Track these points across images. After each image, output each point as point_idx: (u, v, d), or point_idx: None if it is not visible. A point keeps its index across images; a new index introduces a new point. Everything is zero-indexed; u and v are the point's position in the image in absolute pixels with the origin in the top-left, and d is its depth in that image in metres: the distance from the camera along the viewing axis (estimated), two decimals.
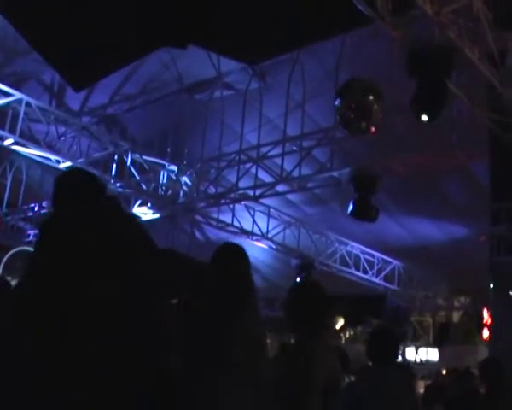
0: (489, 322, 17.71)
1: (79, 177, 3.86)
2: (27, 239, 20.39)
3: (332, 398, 4.61)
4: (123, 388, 3.17)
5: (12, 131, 14.20)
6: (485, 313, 19.59)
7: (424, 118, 10.19)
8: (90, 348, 3.12)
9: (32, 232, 20.04)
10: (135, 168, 16.66)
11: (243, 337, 4.21)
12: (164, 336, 3.64)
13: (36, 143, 14.97)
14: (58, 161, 15.39)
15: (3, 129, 14.13)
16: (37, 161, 15.83)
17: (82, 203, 3.60)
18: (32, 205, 19.40)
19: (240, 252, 4.58)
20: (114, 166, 16.36)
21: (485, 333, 19.59)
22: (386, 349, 6.12)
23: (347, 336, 27.48)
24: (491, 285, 15.71)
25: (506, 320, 15.14)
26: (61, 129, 15.92)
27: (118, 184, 16.43)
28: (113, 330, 3.21)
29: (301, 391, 4.46)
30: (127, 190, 16.84)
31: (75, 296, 3.18)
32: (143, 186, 17.24)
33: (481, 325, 20.56)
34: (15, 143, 14.49)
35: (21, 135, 14.45)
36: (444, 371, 20.50)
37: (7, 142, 14.43)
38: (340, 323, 24.96)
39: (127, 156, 16.43)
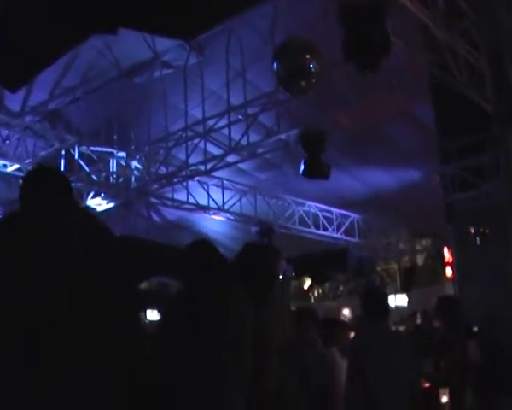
0: (451, 260, 17.99)
1: (45, 174, 3.92)
2: None
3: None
4: (88, 385, 3.18)
5: None
6: (446, 252, 19.89)
7: (365, 70, 10.26)
8: (54, 347, 3.12)
9: None
10: (83, 160, 16.49)
11: (229, 317, 4.26)
12: (137, 327, 3.65)
13: None
14: (5, 165, 15.24)
15: None
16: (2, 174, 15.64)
17: (45, 199, 3.60)
18: None
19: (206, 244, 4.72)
20: (63, 161, 16.18)
21: (449, 271, 19.89)
22: (383, 305, 6.29)
23: (316, 294, 27.66)
24: (449, 224, 15.94)
25: (467, 256, 15.39)
26: (5, 132, 15.67)
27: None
28: (78, 325, 3.21)
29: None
30: (78, 184, 16.63)
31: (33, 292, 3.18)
32: (94, 177, 17.07)
33: (444, 264, 20.86)
34: None
35: None
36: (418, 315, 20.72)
37: None
38: (308, 283, 25.15)
39: (74, 150, 16.26)
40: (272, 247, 5.37)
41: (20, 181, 3.94)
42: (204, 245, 4.79)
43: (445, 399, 7.73)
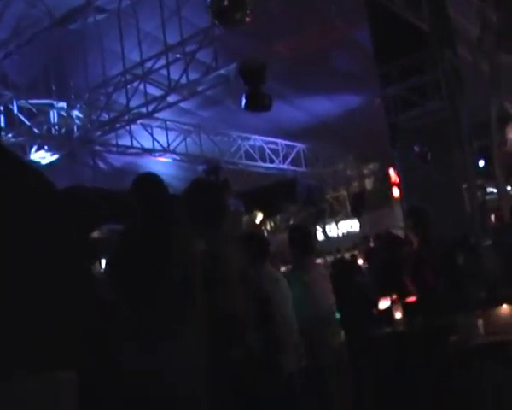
0: (397, 181, 18.19)
1: None
2: None
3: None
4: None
5: None
6: (392, 173, 20.10)
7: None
8: None
9: None
10: (23, 115, 16.20)
11: (175, 252, 4.28)
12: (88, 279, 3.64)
13: None
14: None
15: None
16: None
17: None
18: None
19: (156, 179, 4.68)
20: (2, 117, 15.91)
21: (396, 192, 20.14)
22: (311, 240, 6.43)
23: (268, 228, 27.80)
24: (393, 145, 16.09)
25: (412, 175, 15.58)
26: None
27: (9, 135, 16.00)
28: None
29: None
30: (20, 139, 16.42)
31: None
32: (36, 130, 16.80)
33: (390, 186, 21.10)
34: None
35: None
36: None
37: None
38: (259, 217, 25.23)
39: (13, 104, 15.96)
40: (219, 181, 5.39)
41: None
42: (148, 179, 4.77)
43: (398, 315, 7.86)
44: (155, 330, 4.17)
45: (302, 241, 7.16)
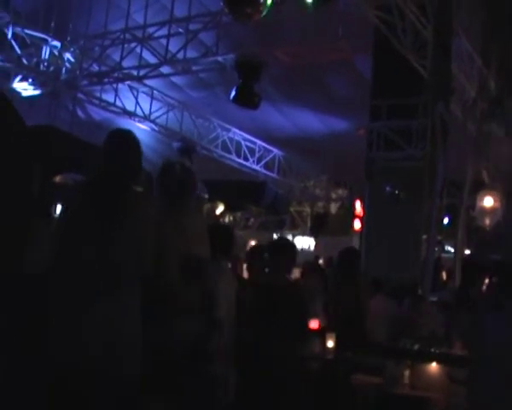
0: (361, 214, 18.23)
1: None
2: None
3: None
4: None
5: None
6: (358, 205, 20.14)
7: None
8: None
9: None
10: (16, 42, 16.03)
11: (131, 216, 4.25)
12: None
13: None
14: None
15: None
16: None
17: None
18: None
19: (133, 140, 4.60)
20: None
21: (357, 224, 20.17)
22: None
23: (227, 221, 27.75)
24: (366, 179, 16.13)
25: (378, 213, 15.64)
26: None
27: None
28: None
29: None
30: (7, 64, 16.23)
31: None
32: (25, 61, 16.65)
33: (354, 217, 21.14)
34: None
35: None
36: (321, 260, 21.01)
37: None
38: (221, 208, 25.17)
39: (8, 29, 15.79)
40: (187, 168, 5.35)
41: None
42: (123, 137, 4.69)
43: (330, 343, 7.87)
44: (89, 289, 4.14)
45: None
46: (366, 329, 7.87)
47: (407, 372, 7.29)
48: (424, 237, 14.97)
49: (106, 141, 4.56)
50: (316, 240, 26.17)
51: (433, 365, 7.42)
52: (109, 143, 4.56)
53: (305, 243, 27.12)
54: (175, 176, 5.14)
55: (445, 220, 18.64)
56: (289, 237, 26.94)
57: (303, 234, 27.43)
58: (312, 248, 26.32)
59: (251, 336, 5.91)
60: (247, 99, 14.82)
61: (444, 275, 17.72)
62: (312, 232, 26.55)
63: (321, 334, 7.54)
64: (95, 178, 4.49)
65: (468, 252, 17.80)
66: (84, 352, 4.01)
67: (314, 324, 7.73)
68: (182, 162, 5.82)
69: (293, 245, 7.24)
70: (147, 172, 4.83)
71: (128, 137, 4.62)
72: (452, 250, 17.68)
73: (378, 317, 8.78)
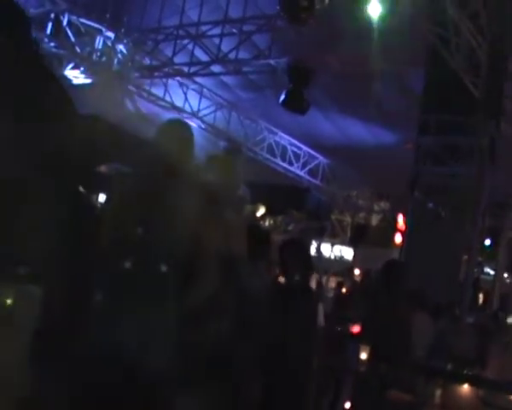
0: (403, 228, 18.09)
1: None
2: None
3: None
4: None
5: None
6: (401, 219, 19.98)
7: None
8: None
9: None
10: (71, 30, 16.17)
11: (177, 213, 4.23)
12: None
13: None
14: None
15: None
16: None
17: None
18: None
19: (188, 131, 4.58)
20: (50, 24, 15.85)
21: (398, 238, 20.01)
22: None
23: (267, 224, 27.73)
24: (410, 194, 16.00)
25: (419, 228, 15.50)
26: None
27: (52, 44, 15.96)
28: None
29: None
30: (61, 51, 16.38)
31: None
32: (78, 49, 16.80)
33: (395, 230, 20.99)
34: None
35: None
36: (357, 272, 20.87)
37: None
38: (261, 211, 25.14)
39: (64, 16, 15.93)
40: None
41: None
42: (176, 128, 4.67)
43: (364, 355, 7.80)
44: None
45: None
46: (404, 344, 7.79)
47: (438, 392, 7.21)
48: (465, 257, 14.83)
49: (159, 130, 4.55)
50: (354, 250, 26.03)
51: (465, 386, 7.33)
52: (162, 132, 4.56)
53: (343, 252, 27.02)
54: (221, 170, 5.11)
55: (487, 242, 18.46)
56: (328, 246, 26.92)
57: (342, 243, 27.30)
58: (350, 258, 26.18)
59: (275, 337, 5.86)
60: (297, 104, 14.81)
61: (480, 297, 17.57)
62: (352, 242, 26.42)
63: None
64: (142, 169, 4.49)
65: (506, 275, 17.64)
66: (118, 349, 4.01)
67: (356, 328, 7.73)
68: (231, 159, 5.79)
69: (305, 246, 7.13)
70: (195, 165, 4.78)
71: (181, 127, 4.61)
72: (491, 272, 17.51)
73: (415, 333, 8.69)
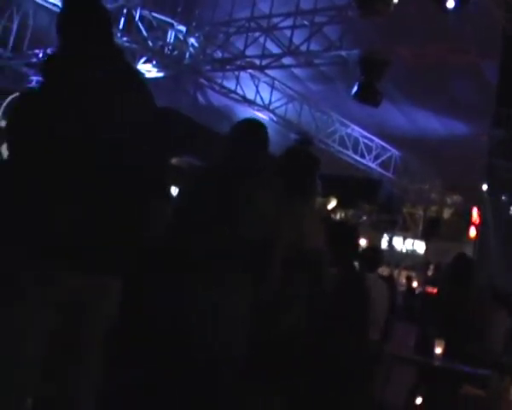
0: (477, 222, 17.87)
1: (94, 7, 3.64)
2: (30, 85, 20.04)
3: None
4: None
5: None
6: (475, 213, 19.75)
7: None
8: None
9: (34, 78, 19.64)
10: (143, 25, 16.36)
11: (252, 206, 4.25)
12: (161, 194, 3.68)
13: None
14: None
15: None
16: (45, 7, 15.47)
17: (92, 39, 3.47)
18: (37, 51, 18.94)
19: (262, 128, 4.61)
20: (122, 19, 16.04)
21: (472, 232, 19.79)
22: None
23: (337, 217, 27.60)
24: (485, 187, 15.78)
25: (494, 222, 15.28)
26: None
27: (124, 39, 16.14)
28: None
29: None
30: (133, 46, 16.56)
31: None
32: (150, 43, 16.97)
33: (470, 224, 20.74)
34: None
35: None
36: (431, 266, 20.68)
37: None
38: (333, 203, 25.05)
39: (136, 11, 16.12)
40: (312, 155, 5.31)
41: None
42: (252, 128, 4.69)
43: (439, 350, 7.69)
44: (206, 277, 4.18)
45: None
46: (475, 338, 7.68)
47: None
48: None
49: (235, 128, 4.58)
50: (426, 244, 25.76)
51: None
52: (239, 130, 4.59)
53: (415, 245, 26.75)
54: (300, 162, 5.11)
55: None
56: (400, 239, 26.69)
57: (414, 237, 27.03)
58: (422, 251, 25.93)
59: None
60: (370, 96, 14.73)
61: None
62: (424, 236, 26.15)
63: None
64: (219, 164, 4.52)
65: None
66: (195, 334, 4.06)
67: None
68: (306, 150, 5.78)
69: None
70: (270, 157, 4.79)
71: (257, 126, 4.64)
72: None
73: (490, 328, 8.56)
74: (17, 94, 18.46)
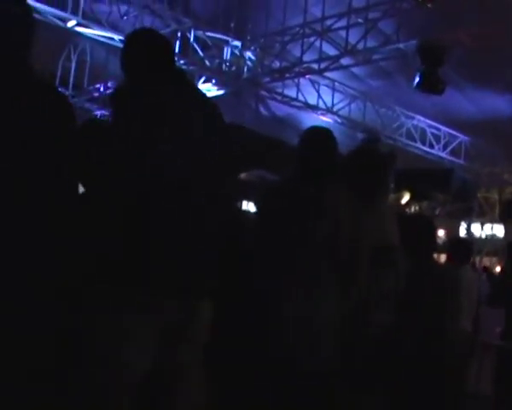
0: None
1: (152, 38, 3.71)
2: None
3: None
4: None
5: (74, 12, 14.15)
6: None
7: None
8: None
9: (98, 112, 20.01)
10: (198, 45, 16.53)
11: (325, 215, 4.27)
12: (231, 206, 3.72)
13: (99, 23, 14.88)
14: (122, 41, 15.32)
15: (66, 11, 14.08)
16: (101, 42, 15.73)
17: (156, 68, 3.54)
18: (98, 86, 19.30)
19: (329, 136, 4.62)
20: (178, 43, 16.21)
21: None
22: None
23: (412, 210, 27.36)
24: None
25: None
26: (124, 8, 15.59)
27: (181, 62, 16.27)
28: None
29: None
30: (191, 67, 16.71)
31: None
32: (207, 63, 17.15)
33: None
34: (78, 24, 14.47)
35: (84, 16, 14.40)
36: None
37: (70, 23, 14.41)
38: (406, 197, 24.84)
39: (190, 33, 16.29)
40: (388, 153, 5.30)
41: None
42: (319, 136, 4.70)
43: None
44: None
45: None
46: None
47: None
48: None
49: (303, 139, 4.61)
50: (505, 227, 25.38)
51: None
52: (307, 140, 4.61)
53: (494, 230, 26.38)
54: (373, 160, 5.10)
55: None
56: (478, 225, 26.32)
57: (491, 221, 26.65)
58: (502, 235, 25.56)
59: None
60: (433, 85, 14.60)
61: None
62: (502, 219, 25.77)
63: None
64: (291, 177, 4.56)
65: None
66: (283, 341, 4.09)
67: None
68: (378, 148, 5.78)
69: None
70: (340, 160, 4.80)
71: (325, 134, 4.65)
72: None
73: None
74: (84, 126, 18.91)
